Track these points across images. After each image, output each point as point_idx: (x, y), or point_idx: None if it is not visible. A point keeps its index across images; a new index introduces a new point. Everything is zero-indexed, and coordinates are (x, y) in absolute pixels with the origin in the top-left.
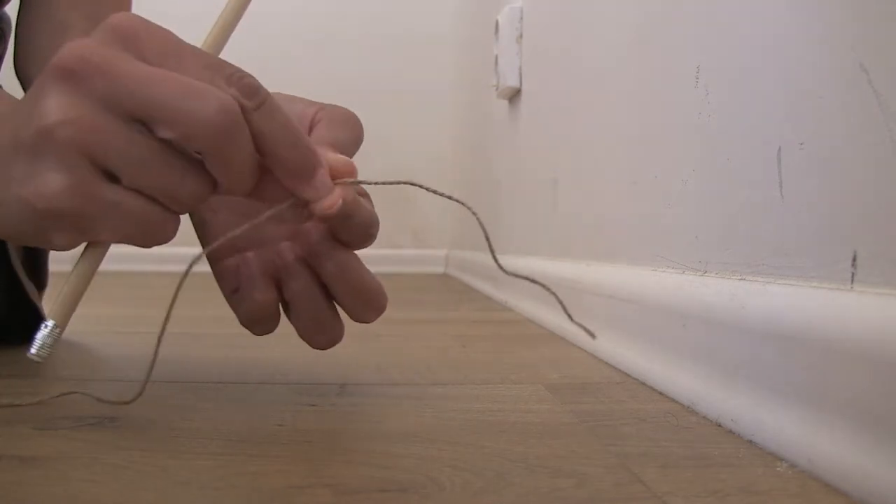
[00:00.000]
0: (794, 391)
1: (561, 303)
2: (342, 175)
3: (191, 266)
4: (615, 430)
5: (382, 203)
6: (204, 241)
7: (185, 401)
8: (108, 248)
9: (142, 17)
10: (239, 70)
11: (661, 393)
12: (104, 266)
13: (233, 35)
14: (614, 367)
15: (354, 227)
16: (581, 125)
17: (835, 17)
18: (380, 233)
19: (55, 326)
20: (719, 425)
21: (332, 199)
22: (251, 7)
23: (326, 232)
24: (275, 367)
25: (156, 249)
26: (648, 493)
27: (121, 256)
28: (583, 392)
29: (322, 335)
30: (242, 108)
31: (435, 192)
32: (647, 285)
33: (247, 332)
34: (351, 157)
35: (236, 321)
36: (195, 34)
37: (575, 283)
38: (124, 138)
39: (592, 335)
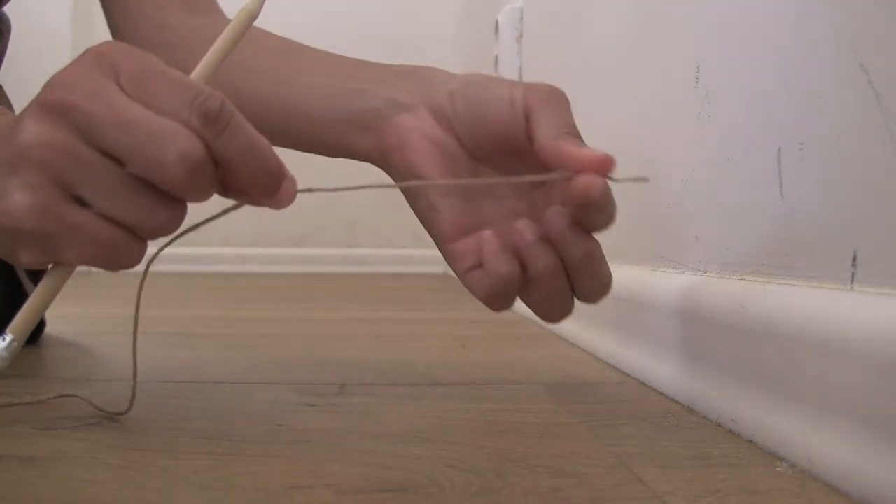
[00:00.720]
0: (794, 391)
1: None
2: (602, 167)
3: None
4: (615, 430)
5: (383, 203)
6: (433, 226)
7: (185, 401)
8: (74, 268)
9: (124, 44)
10: (203, 92)
11: (661, 393)
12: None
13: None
14: (614, 367)
15: (603, 216)
16: (581, 125)
17: (835, 17)
18: (380, 233)
19: (13, 340)
20: (719, 425)
21: (589, 181)
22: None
23: (572, 218)
24: (275, 367)
25: (155, 250)
26: (648, 493)
27: None
28: (583, 392)
29: (560, 311)
30: (204, 138)
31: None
32: (647, 285)
33: (246, 331)
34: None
35: (236, 321)
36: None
37: None
38: (96, 168)
39: None
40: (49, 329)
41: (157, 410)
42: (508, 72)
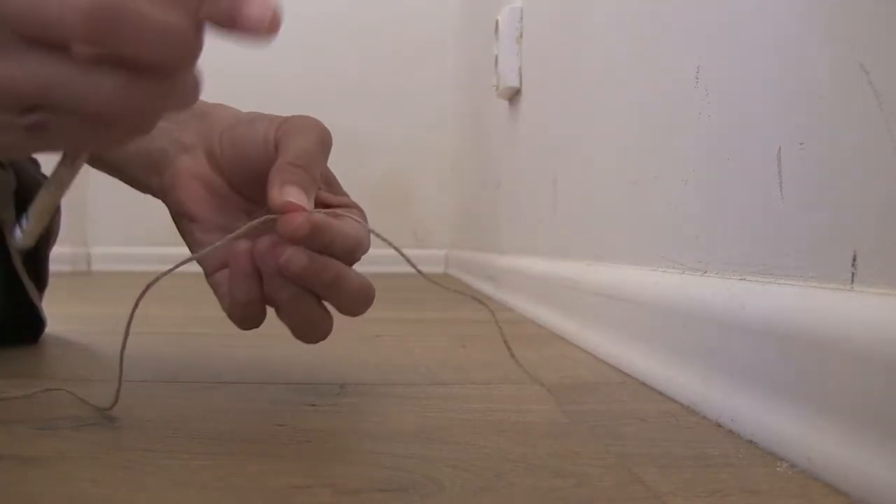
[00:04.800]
0: (794, 391)
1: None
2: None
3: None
4: (615, 430)
5: (382, 203)
6: (200, 260)
7: (185, 401)
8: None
9: None
10: None
11: (661, 393)
12: (103, 265)
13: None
14: (614, 367)
15: (336, 250)
16: (581, 125)
17: (835, 17)
18: (380, 233)
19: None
20: (719, 425)
21: (295, 223)
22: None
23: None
24: (275, 367)
25: (155, 250)
26: (648, 493)
27: (121, 257)
28: (583, 392)
29: (314, 334)
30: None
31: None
32: (647, 285)
33: (248, 332)
34: (321, 161)
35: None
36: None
37: (575, 283)
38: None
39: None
40: (49, 329)
41: (157, 410)
42: (508, 72)
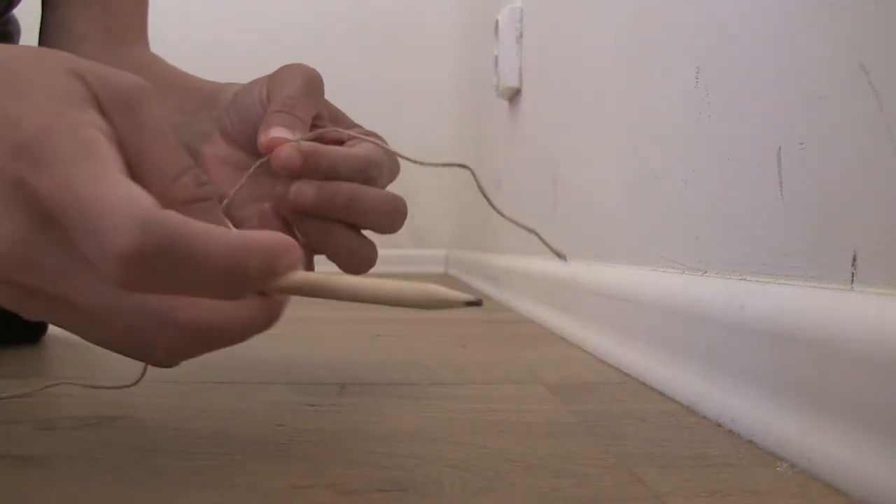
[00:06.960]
0: (794, 391)
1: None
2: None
3: None
4: (615, 430)
5: None
6: None
7: (185, 401)
8: None
9: (26, 138)
10: (119, 230)
11: (661, 393)
12: None
13: (230, 34)
14: (614, 367)
15: (342, 172)
16: (581, 125)
17: (835, 17)
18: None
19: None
20: (719, 425)
21: (283, 155)
22: (250, 6)
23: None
24: (275, 367)
25: None
26: (648, 493)
27: None
28: (583, 392)
29: (359, 263)
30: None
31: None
32: (647, 285)
33: None
34: (307, 102)
35: None
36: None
37: (575, 283)
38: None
39: (564, 257)
40: (51, 329)
41: (157, 410)
42: (508, 72)
